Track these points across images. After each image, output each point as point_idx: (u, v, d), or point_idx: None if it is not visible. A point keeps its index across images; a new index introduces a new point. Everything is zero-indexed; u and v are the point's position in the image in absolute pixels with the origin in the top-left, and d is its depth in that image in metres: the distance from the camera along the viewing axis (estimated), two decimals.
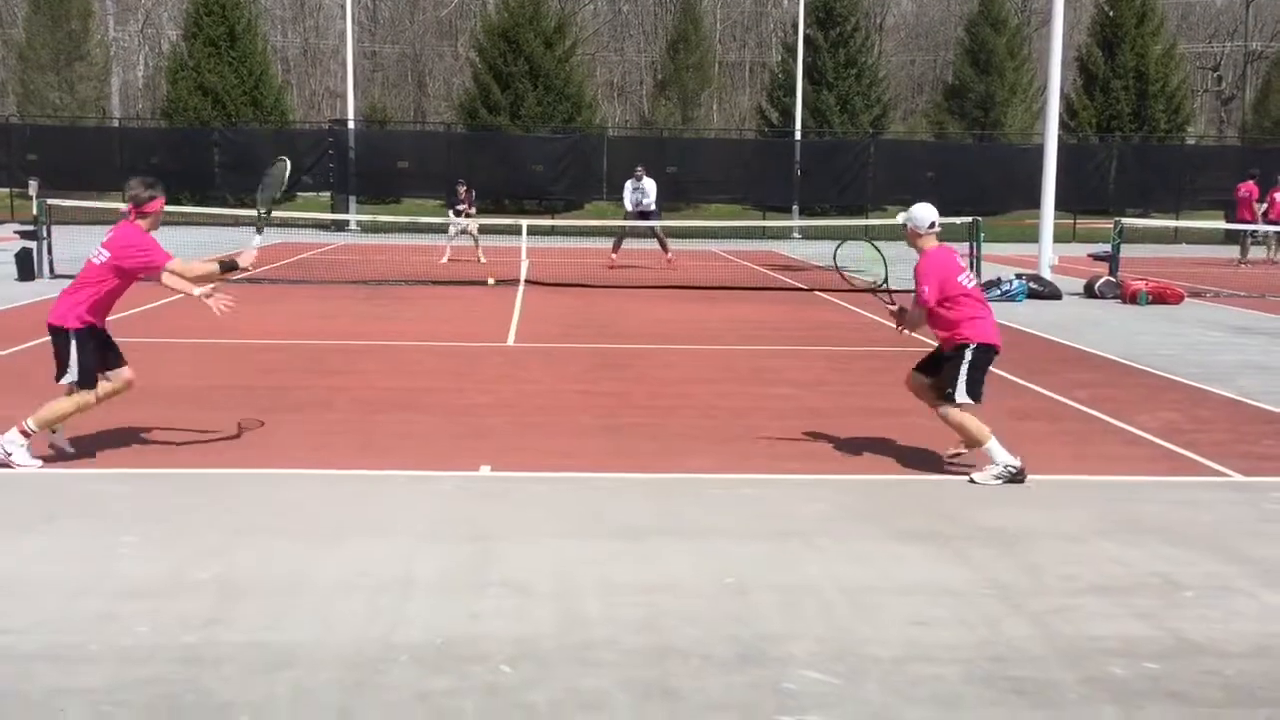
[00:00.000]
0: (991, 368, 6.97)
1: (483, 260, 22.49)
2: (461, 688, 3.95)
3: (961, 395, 6.71)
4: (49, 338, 6.87)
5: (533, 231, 23.08)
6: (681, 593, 4.89)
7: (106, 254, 6.74)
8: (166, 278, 6.91)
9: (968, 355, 6.72)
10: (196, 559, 5.18)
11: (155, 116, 45.01)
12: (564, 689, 3.96)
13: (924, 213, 6.99)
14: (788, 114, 39.72)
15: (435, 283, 18.28)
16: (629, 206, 22.97)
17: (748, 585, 5.00)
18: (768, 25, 63.32)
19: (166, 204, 7.13)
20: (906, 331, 7.36)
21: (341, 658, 4.17)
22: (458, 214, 23.80)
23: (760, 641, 4.39)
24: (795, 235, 33.50)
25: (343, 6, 40.67)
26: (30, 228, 18.16)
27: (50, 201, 18.63)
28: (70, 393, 6.77)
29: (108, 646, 4.23)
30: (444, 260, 22.47)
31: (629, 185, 23.07)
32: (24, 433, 6.66)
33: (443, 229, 24.07)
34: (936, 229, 7.03)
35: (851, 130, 41.57)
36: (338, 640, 4.32)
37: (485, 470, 6.84)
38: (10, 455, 6.61)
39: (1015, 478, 6.66)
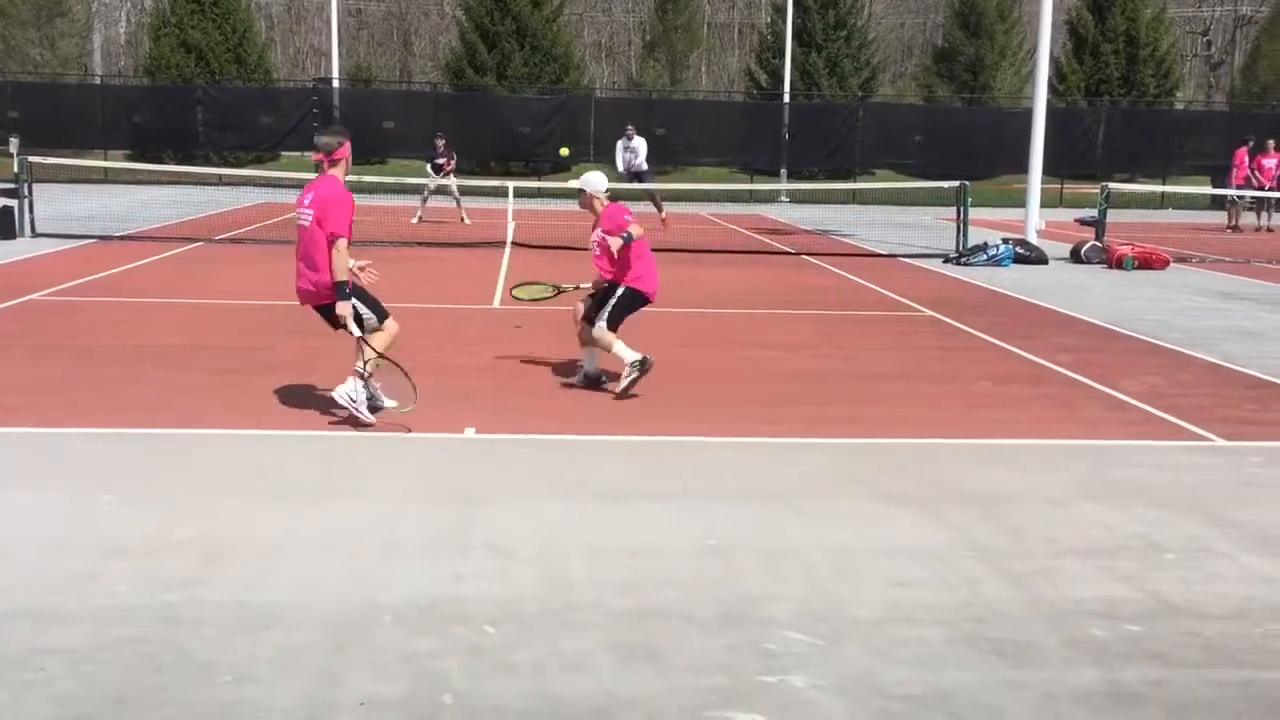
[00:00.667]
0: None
1: (467, 221, 22.36)
2: (445, 649, 3.95)
3: (602, 320, 7.87)
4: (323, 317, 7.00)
5: (519, 193, 22.94)
6: (664, 555, 4.89)
7: (310, 214, 6.70)
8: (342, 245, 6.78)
9: (619, 293, 7.98)
10: (177, 519, 5.16)
11: (138, 74, 44.51)
12: (547, 650, 3.96)
13: (599, 180, 8.28)
14: (776, 76, 39.52)
15: (421, 244, 18.19)
16: (620, 168, 22.77)
17: (731, 547, 5.00)
18: None
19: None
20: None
21: (324, 618, 4.16)
22: (437, 170, 23.58)
23: (742, 603, 4.40)
24: (783, 199, 33.42)
25: None
26: (11, 185, 17.96)
27: (32, 160, 18.43)
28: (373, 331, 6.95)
29: (87, 606, 4.21)
30: (415, 220, 22.19)
31: (620, 145, 22.92)
32: (359, 376, 6.81)
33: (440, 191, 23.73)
34: (607, 193, 8.31)
35: (840, 93, 41.40)
36: (320, 601, 4.31)
37: (470, 432, 6.82)
38: (358, 404, 6.78)
39: (644, 368, 7.68)
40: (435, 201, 23.00)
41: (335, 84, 36.12)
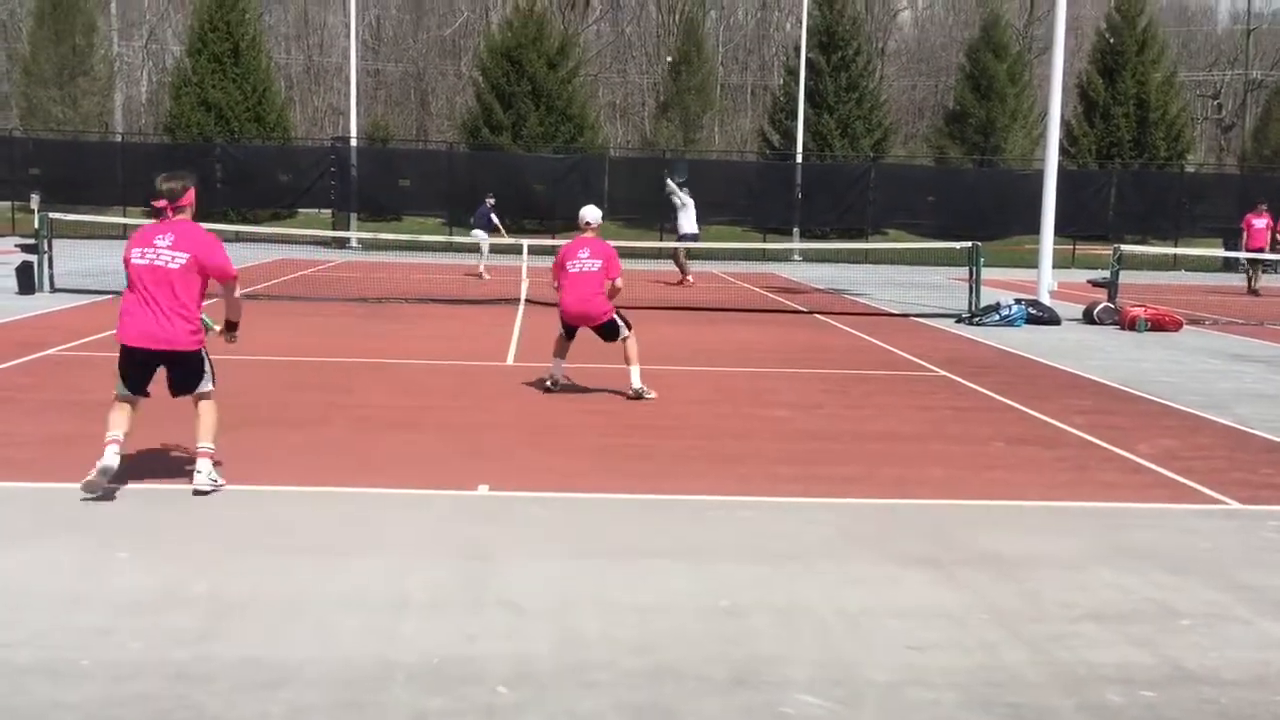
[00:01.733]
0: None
1: (486, 278, 22.82)
2: (458, 708, 3.93)
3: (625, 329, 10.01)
4: (173, 362, 6.65)
5: (533, 251, 23.12)
6: (678, 614, 4.87)
7: (185, 255, 6.49)
8: (235, 286, 6.81)
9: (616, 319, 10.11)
10: (189, 575, 5.17)
11: (158, 132, 45.09)
12: (561, 711, 3.95)
13: (596, 213, 10.52)
14: (789, 136, 39.86)
15: (435, 301, 18.30)
16: (691, 229, 23.47)
17: (745, 607, 4.98)
18: (770, 48, 63.58)
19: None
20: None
21: (336, 676, 4.15)
22: (487, 226, 24.44)
23: (757, 664, 4.38)
24: (795, 257, 33.58)
25: (346, 24, 40.81)
26: (31, 241, 18.17)
27: (52, 216, 18.65)
28: (201, 399, 6.72)
29: (101, 661, 4.21)
30: (483, 278, 23.22)
31: (677, 203, 23.51)
32: (211, 458, 6.59)
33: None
34: (588, 226, 10.36)
35: (852, 154, 41.71)
36: (332, 658, 4.30)
37: (483, 490, 6.82)
38: (219, 482, 6.56)
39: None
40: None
41: (353, 142, 36.53)
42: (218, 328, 6.97)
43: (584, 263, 9.98)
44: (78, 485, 6.42)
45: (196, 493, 6.48)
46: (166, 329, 6.50)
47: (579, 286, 9.95)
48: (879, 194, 36.31)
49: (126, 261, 6.60)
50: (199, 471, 6.54)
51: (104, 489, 6.30)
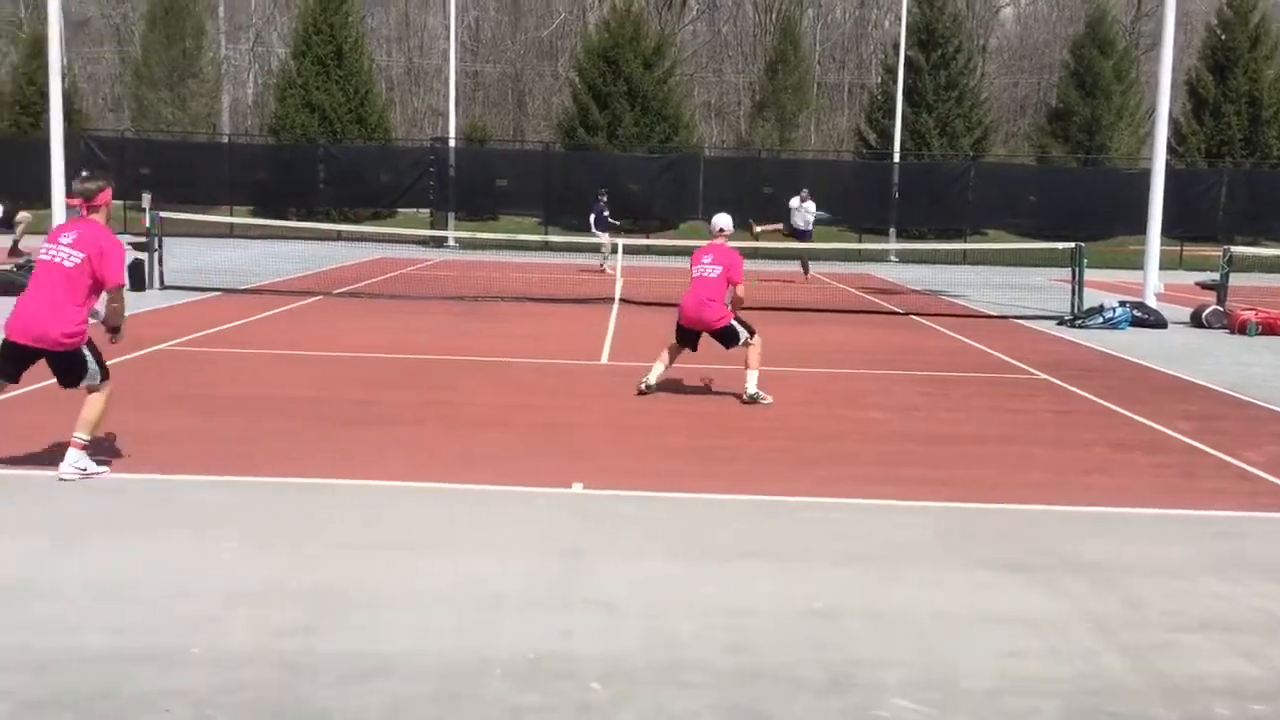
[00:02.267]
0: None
1: (608, 272, 23.82)
2: (553, 704, 3.99)
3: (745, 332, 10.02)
4: (51, 356, 6.68)
5: (628, 251, 23.26)
6: (771, 615, 4.87)
7: (80, 255, 6.60)
8: (119, 295, 6.85)
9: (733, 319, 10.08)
10: (294, 567, 5.31)
11: (263, 133, 46.19)
12: (654, 708, 3.97)
13: (727, 220, 10.47)
14: (886, 136, 39.41)
15: (531, 300, 18.48)
16: (800, 224, 24.53)
17: (838, 610, 4.96)
18: (868, 47, 62.89)
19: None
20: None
21: (435, 669, 4.23)
22: (601, 224, 25.09)
23: (851, 667, 4.36)
24: (891, 258, 33.21)
25: (446, 26, 41.38)
26: (142, 239, 18.75)
27: (162, 215, 19.24)
28: (92, 391, 6.75)
29: (210, 649, 4.35)
30: (607, 270, 24.23)
31: (793, 204, 24.59)
32: (82, 448, 6.70)
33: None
34: (719, 233, 10.37)
35: (951, 153, 41.10)
36: (431, 652, 4.39)
37: (577, 488, 6.88)
38: (85, 470, 6.69)
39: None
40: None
41: (451, 143, 37.04)
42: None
43: (706, 268, 10.01)
44: (191, 478, 6.63)
45: (61, 480, 6.58)
46: (44, 325, 6.57)
47: (698, 291, 9.95)
48: (978, 193, 35.75)
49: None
50: (66, 460, 6.63)
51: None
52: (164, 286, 17.78)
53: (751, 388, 9.86)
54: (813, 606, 4.99)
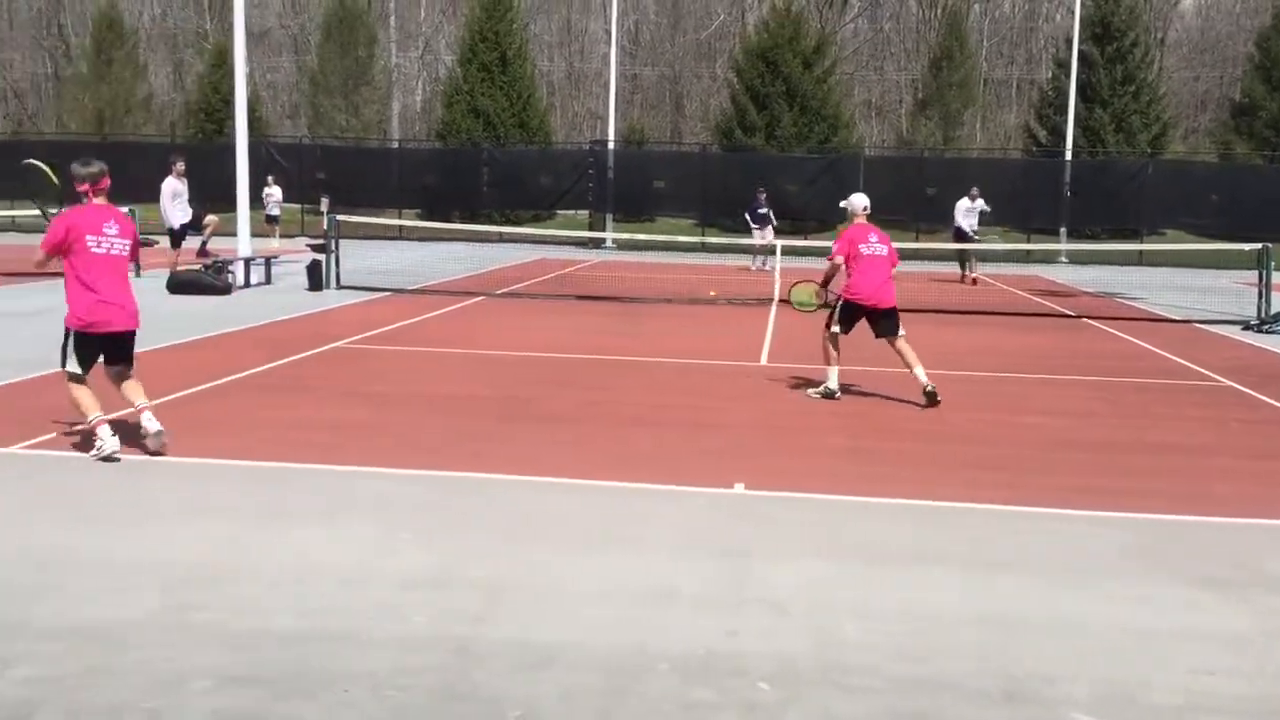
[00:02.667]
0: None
1: (766, 269, 24.06)
2: (721, 701, 3.96)
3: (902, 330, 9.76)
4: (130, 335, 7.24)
5: (786, 252, 23.05)
6: (946, 623, 4.74)
7: (127, 242, 7.06)
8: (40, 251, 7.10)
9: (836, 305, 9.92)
10: (466, 557, 5.41)
11: (430, 138, 47.50)
12: (821, 711, 3.91)
13: (859, 200, 10.06)
14: (1056, 132, 38.16)
15: (690, 301, 18.50)
16: (967, 227, 24.40)
17: (1015, 620, 4.80)
18: (1038, 41, 61.04)
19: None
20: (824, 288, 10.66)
21: (602, 662, 4.25)
22: (758, 220, 25.49)
23: (1033, 680, 4.20)
24: (1062, 259, 32.12)
25: (607, 31, 41.84)
26: (320, 241, 19.47)
27: (339, 218, 19.95)
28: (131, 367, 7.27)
29: (388, 634, 4.46)
30: (759, 268, 25.05)
31: (963, 206, 24.43)
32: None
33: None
34: (865, 212, 9.99)
35: (1127, 150, 39.53)
36: (598, 644, 4.41)
37: (739, 488, 6.84)
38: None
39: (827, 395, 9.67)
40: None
41: (610, 145, 37.40)
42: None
43: (875, 246, 9.73)
44: (367, 469, 6.85)
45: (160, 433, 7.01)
46: (132, 308, 7.16)
47: (877, 269, 9.66)
48: (1156, 192, 34.28)
49: (77, 242, 6.86)
50: (151, 420, 7.00)
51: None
52: (339, 286, 18.41)
53: (927, 379, 9.46)
54: (988, 615, 4.84)
